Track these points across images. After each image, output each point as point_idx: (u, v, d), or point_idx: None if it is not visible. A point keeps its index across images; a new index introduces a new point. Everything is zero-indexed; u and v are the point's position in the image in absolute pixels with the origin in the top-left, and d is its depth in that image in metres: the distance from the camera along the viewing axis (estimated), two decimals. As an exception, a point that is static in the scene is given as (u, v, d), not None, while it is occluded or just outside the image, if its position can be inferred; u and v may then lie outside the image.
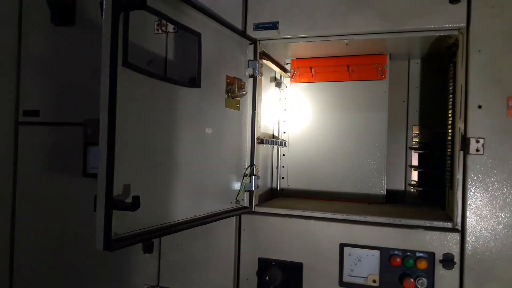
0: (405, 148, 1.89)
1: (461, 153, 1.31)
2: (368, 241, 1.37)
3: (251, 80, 1.54)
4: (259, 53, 1.55)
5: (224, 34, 1.40)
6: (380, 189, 1.80)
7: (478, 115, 1.27)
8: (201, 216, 1.29)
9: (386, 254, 1.35)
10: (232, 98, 1.43)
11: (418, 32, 1.38)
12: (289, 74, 1.90)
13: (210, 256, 1.50)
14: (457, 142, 1.33)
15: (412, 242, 1.32)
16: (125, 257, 1.56)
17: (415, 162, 1.86)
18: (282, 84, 1.89)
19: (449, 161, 1.46)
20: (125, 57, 0.98)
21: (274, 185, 1.92)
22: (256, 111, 1.54)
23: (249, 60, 1.53)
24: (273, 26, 1.50)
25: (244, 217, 1.51)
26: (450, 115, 1.47)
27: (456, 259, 1.27)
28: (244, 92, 1.47)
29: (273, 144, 1.75)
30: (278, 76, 1.91)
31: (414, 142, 1.87)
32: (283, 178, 1.93)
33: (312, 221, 1.44)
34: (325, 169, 1.87)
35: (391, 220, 1.39)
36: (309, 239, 1.44)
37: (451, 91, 1.42)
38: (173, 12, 1.17)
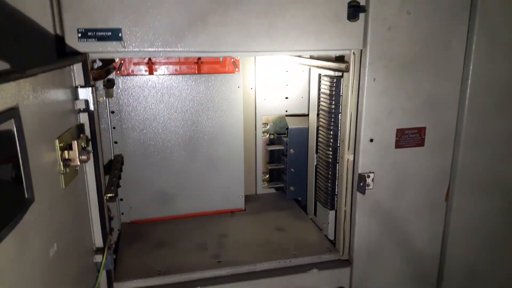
0: (255, 139, 1.72)
1: (350, 184, 1.24)
2: (262, 292, 1.22)
3: (85, 116, 0.99)
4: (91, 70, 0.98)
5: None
6: (239, 196, 1.62)
7: (369, 148, 1.18)
8: None
9: (282, 301, 1.24)
10: (71, 168, 0.88)
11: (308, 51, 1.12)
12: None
13: None
14: (344, 172, 1.24)
15: (305, 283, 1.25)
16: None
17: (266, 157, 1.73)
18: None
19: (326, 178, 1.38)
20: None
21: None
22: (100, 168, 1.03)
23: (79, 86, 0.96)
24: (115, 35, 0.95)
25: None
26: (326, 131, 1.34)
27: (347, 289, 1.28)
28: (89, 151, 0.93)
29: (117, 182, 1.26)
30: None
31: (263, 134, 1.71)
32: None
33: (198, 288, 1.17)
34: (175, 182, 1.53)
35: (281, 263, 1.26)
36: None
37: (333, 109, 1.27)
38: None
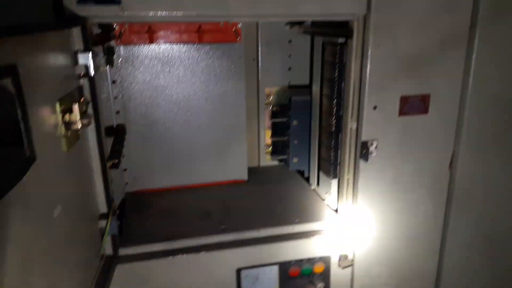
0: (257, 111, 1.71)
1: (353, 152, 1.23)
2: (265, 259, 1.23)
3: (85, 82, 0.98)
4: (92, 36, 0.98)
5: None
6: (242, 166, 1.62)
7: (373, 116, 1.17)
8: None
9: (285, 267, 1.25)
10: (72, 132, 0.88)
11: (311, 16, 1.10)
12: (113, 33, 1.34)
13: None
14: (347, 140, 1.24)
15: (309, 249, 1.26)
16: None
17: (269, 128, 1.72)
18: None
19: (329, 145, 1.37)
20: None
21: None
22: (102, 133, 1.03)
23: (78, 51, 0.95)
24: (113, -2, 0.93)
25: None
26: (333, 101, 1.33)
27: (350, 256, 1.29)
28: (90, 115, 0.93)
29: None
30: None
31: (266, 106, 1.70)
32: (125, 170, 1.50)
33: (203, 253, 1.18)
34: (179, 152, 1.54)
35: (285, 230, 1.27)
36: (201, 272, 1.20)
37: (336, 78, 1.26)
38: None
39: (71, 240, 0.88)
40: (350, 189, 1.27)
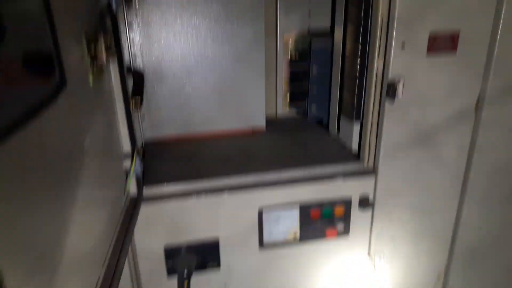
0: (275, 59, 1.67)
1: (378, 93, 1.21)
2: (286, 200, 1.24)
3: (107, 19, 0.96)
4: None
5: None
6: (260, 115, 1.61)
7: (400, 53, 1.14)
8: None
9: (306, 209, 1.27)
10: (98, 67, 0.87)
11: None
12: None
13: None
14: (373, 81, 1.21)
15: (330, 191, 1.26)
16: None
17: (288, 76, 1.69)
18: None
19: (353, 89, 1.35)
20: None
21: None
22: (124, 70, 1.02)
23: (98, -18, 0.92)
24: None
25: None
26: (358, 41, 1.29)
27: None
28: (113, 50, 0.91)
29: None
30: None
31: (285, 53, 1.66)
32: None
33: (225, 194, 1.19)
34: (196, 100, 1.52)
35: (306, 172, 1.27)
36: (223, 212, 1.21)
37: (362, 16, 1.21)
38: None
39: (98, 177, 0.89)
40: (374, 132, 1.26)
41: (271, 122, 1.66)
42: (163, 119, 1.51)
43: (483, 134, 1.27)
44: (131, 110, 1.06)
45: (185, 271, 1.18)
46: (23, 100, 0.55)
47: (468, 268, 1.50)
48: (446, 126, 1.24)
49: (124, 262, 0.89)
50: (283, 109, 1.74)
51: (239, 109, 1.57)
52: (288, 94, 1.71)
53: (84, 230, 0.77)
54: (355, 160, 1.33)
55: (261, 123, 1.61)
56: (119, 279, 0.82)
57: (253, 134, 1.60)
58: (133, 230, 1.03)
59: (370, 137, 1.26)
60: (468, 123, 1.26)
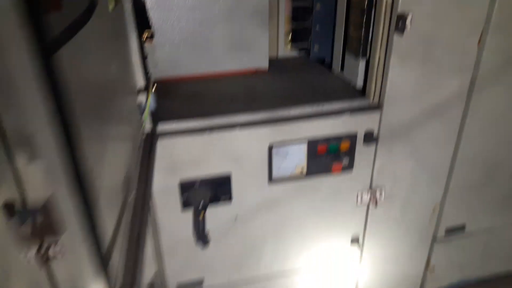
0: (277, -3, 1.64)
1: (386, 27, 1.22)
2: (295, 136, 1.28)
3: None
4: None
5: None
6: (263, 55, 1.60)
7: (410, -14, 1.14)
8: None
9: (313, 144, 1.31)
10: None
11: None
12: None
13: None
14: (382, 15, 1.21)
15: (337, 127, 1.30)
16: None
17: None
18: None
19: (357, 26, 1.35)
20: None
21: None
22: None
23: None
24: None
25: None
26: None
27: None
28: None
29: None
30: None
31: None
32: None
33: (237, 130, 1.22)
34: (200, 39, 1.50)
35: (314, 109, 1.30)
36: (235, 148, 1.25)
37: None
38: None
39: (121, 110, 0.89)
40: (381, 68, 1.28)
41: (273, 62, 1.66)
42: (167, 60, 1.50)
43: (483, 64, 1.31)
44: (143, 42, 1.05)
45: (201, 202, 1.22)
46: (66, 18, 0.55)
47: (462, 202, 1.60)
48: (450, 63, 1.27)
49: (150, 194, 0.92)
50: (285, 49, 1.73)
51: (242, 50, 1.56)
52: (290, 34, 1.70)
53: (112, 164, 0.78)
54: (360, 96, 1.36)
55: (264, 64, 1.61)
56: (149, 206, 0.85)
57: (256, 73, 1.60)
58: (153, 165, 1.05)
59: (376, 73, 1.29)
60: (471, 57, 1.30)
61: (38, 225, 0.44)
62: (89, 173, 0.52)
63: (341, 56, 1.51)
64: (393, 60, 1.23)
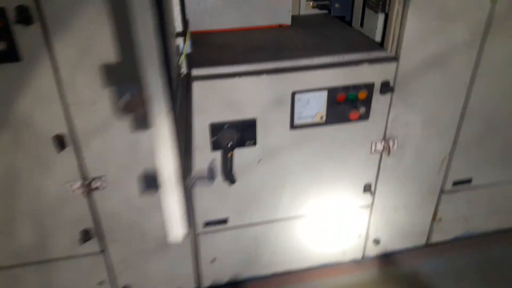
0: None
1: (405, -17, 1.30)
2: (316, 84, 1.38)
3: None
4: None
5: None
6: (286, 10, 1.68)
7: None
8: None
9: (333, 93, 1.41)
10: None
11: None
12: None
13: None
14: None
15: (356, 77, 1.40)
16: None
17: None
18: None
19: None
20: None
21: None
22: None
23: None
24: None
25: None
26: None
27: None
28: None
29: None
30: None
31: None
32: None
33: (264, 75, 1.33)
34: None
35: (335, 59, 1.40)
36: (261, 94, 1.35)
37: None
38: None
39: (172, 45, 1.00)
40: (398, 21, 1.36)
41: (295, 19, 1.75)
42: (194, 15, 1.59)
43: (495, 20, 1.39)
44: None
45: (229, 143, 1.34)
46: None
47: (469, 155, 1.70)
48: (464, 15, 1.35)
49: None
50: (306, 6, 1.81)
51: (266, 7, 1.64)
52: (312, -8, 1.78)
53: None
54: (379, 48, 1.45)
55: (286, 20, 1.70)
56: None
57: (280, 28, 1.69)
58: (191, 106, 1.16)
59: (394, 25, 1.37)
60: (484, 12, 1.37)
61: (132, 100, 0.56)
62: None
63: (361, 12, 1.59)
64: (410, 13, 1.31)
